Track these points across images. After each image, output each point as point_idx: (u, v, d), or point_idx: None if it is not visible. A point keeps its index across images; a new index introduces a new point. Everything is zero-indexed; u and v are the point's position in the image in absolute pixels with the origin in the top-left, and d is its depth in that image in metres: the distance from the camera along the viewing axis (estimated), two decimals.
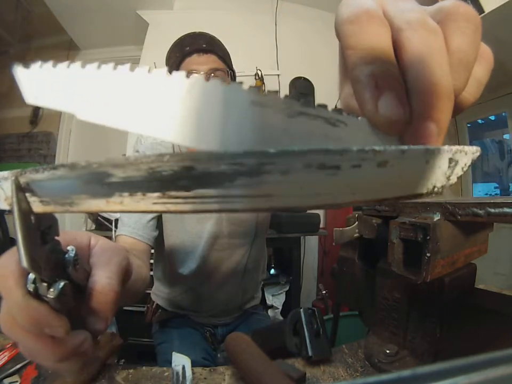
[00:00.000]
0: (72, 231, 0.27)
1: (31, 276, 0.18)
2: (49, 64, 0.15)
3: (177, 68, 0.72)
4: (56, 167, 0.12)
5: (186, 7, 2.26)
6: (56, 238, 0.19)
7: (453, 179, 0.14)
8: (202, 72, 0.67)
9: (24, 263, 0.16)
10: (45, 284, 0.18)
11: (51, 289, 0.18)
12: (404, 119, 0.14)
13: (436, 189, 0.14)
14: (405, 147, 0.12)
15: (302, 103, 0.14)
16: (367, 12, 0.15)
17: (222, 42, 0.74)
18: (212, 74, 0.68)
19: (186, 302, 0.83)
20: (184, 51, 0.68)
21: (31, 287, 0.18)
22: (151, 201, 0.11)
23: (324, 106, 0.14)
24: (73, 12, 2.20)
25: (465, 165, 0.14)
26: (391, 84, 0.14)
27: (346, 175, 0.11)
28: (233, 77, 0.76)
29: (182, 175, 0.10)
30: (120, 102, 0.14)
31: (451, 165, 0.13)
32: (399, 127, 0.14)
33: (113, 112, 0.14)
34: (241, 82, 0.14)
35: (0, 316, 0.20)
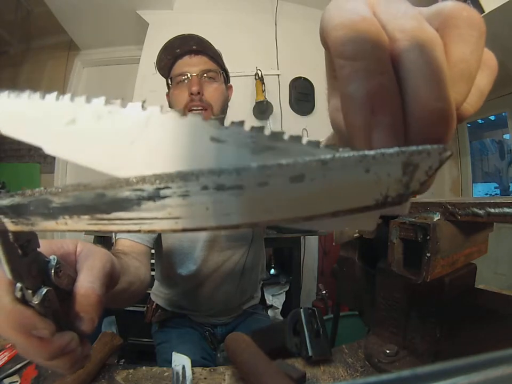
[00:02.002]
0: (60, 239, 0.29)
1: (19, 284, 0.20)
2: (15, 94, 0.15)
3: (169, 71, 0.72)
4: (13, 195, 0.14)
5: (186, 7, 2.26)
6: (38, 249, 0.21)
7: (415, 186, 0.12)
8: (194, 74, 0.67)
9: (8, 274, 0.18)
10: (30, 291, 0.20)
11: (35, 296, 0.20)
12: None
13: (390, 199, 0.12)
14: (328, 156, 0.11)
15: (269, 136, 0.13)
16: (363, 18, 0.13)
17: (212, 44, 0.74)
18: (205, 75, 0.68)
19: (185, 302, 0.83)
20: (175, 53, 0.68)
21: (18, 294, 0.20)
22: (86, 223, 0.13)
23: (297, 139, 0.13)
24: (73, 12, 2.19)
25: (429, 168, 0.11)
26: (389, 110, 0.13)
27: (253, 193, 0.11)
28: (225, 77, 0.76)
29: (98, 201, 0.12)
30: (80, 135, 0.14)
31: (407, 170, 0.11)
32: None
33: (74, 147, 0.15)
34: (199, 115, 0.13)
35: None
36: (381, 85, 0.12)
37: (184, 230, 0.12)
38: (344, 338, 0.67)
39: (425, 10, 0.15)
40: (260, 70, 2.13)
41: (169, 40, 0.68)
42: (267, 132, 0.13)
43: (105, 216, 0.12)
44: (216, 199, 0.11)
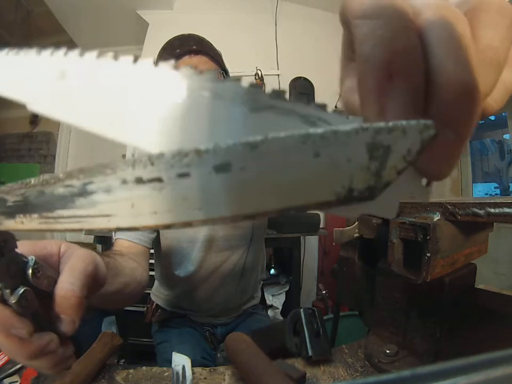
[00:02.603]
0: (44, 240, 0.29)
1: None
2: (14, 51, 0.15)
3: None
4: None
5: (186, 7, 2.26)
6: (17, 250, 0.21)
7: (390, 175, 0.09)
8: None
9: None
10: (8, 291, 0.20)
11: (12, 295, 0.21)
12: None
13: (356, 193, 0.09)
14: (259, 138, 0.09)
15: (271, 94, 0.11)
16: None
17: (212, 43, 0.74)
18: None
19: (185, 302, 0.83)
20: (175, 53, 0.67)
21: None
22: (37, 222, 0.12)
23: (301, 99, 0.11)
24: (73, 12, 2.20)
25: (408, 151, 0.09)
26: (410, 75, 0.11)
27: (175, 187, 0.09)
28: (225, 77, 0.75)
29: (40, 199, 0.11)
30: (82, 92, 0.13)
31: (376, 154, 0.09)
32: None
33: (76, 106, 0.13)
34: (193, 68, 0.12)
35: None
36: (403, 46, 0.11)
37: (118, 229, 0.11)
38: (344, 338, 0.67)
39: None
40: (259, 70, 2.13)
41: (168, 40, 0.68)
42: (268, 90, 0.11)
43: (49, 214, 0.11)
44: (138, 194, 0.10)
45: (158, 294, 0.88)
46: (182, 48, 0.67)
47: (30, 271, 0.22)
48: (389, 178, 0.09)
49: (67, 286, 0.24)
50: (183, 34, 0.68)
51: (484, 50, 0.12)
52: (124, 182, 0.10)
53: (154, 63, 0.12)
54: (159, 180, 0.09)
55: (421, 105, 0.11)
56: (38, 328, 0.23)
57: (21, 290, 0.21)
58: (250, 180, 0.09)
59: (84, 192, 0.10)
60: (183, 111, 0.11)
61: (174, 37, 0.68)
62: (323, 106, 0.11)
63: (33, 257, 0.23)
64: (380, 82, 0.11)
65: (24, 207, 0.12)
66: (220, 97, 0.11)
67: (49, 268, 0.25)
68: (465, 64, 0.11)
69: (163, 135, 0.12)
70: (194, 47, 0.67)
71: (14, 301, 0.21)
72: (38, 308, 0.23)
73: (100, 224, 0.11)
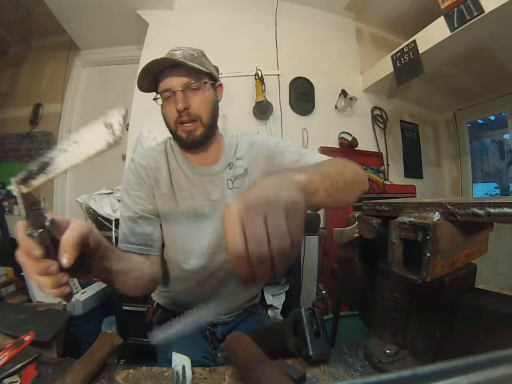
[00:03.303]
0: (66, 217, 0.42)
1: (29, 226, 0.36)
2: None
3: (155, 89, 0.73)
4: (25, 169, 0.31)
5: (186, 7, 2.26)
6: (41, 209, 0.37)
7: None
8: (178, 89, 0.68)
9: (23, 219, 0.35)
10: (33, 230, 0.36)
11: (35, 232, 0.36)
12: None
13: None
14: None
15: None
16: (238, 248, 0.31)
17: (198, 53, 0.74)
18: (189, 86, 0.69)
19: (186, 299, 0.83)
20: (154, 72, 0.69)
21: (28, 231, 0.36)
22: (44, 178, 0.29)
23: None
24: (73, 11, 2.19)
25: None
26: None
27: None
28: (212, 77, 0.75)
29: (41, 166, 0.32)
30: None
31: None
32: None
33: None
34: None
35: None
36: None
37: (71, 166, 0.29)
38: (344, 338, 0.67)
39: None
40: (260, 70, 2.13)
41: (145, 65, 0.68)
42: None
43: (47, 170, 0.32)
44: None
45: (158, 292, 0.87)
46: (160, 65, 0.68)
47: (47, 222, 0.37)
48: None
49: (67, 234, 0.39)
50: (157, 58, 0.67)
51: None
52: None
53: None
54: None
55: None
56: (47, 257, 0.37)
57: (40, 230, 0.36)
58: None
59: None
60: None
61: (149, 62, 0.67)
62: None
63: (51, 216, 0.38)
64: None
65: (37, 171, 0.29)
66: None
67: (60, 227, 0.39)
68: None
69: None
70: (172, 62, 0.68)
71: (35, 235, 0.36)
72: (49, 245, 0.38)
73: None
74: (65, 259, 0.38)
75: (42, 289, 0.39)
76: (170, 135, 0.78)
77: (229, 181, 0.78)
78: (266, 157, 0.78)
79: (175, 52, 0.70)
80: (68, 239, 0.38)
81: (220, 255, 0.78)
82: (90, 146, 0.32)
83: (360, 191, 0.61)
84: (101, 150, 0.32)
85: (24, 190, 0.33)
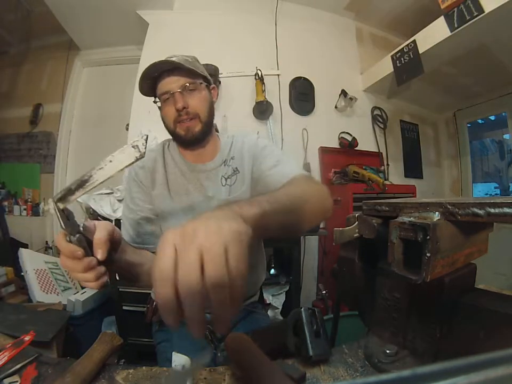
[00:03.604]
0: (95, 221, 0.50)
1: (67, 233, 0.44)
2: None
3: (154, 92, 0.76)
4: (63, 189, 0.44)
5: (186, 7, 2.26)
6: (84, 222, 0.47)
7: None
8: (176, 90, 0.72)
9: (62, 229, 0.44)
10: (72, 236, 0.44)
11: (73, 238, 0.44)
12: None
13: None
14: None
15: None
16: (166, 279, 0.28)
17: (192, 58, 0.78)
18: (186, 88, 0.73)
19: None
20: (153, 76, 0.74)
21: (67, 238, 0.44)
22: (81, 192, 0.43)
23: None
24: (73, 12, 2.19)
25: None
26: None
27: None
28: (206, 81, 0.79)
29: (78, 184, 0.43)
30: None
31: None
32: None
33: None
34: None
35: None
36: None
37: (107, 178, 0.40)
38: (344, 338, 0.67)
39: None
40: (260, 70, 2.13)
41: (145, 69, 0.72)
42: None
43: (85, 185, 0.41)
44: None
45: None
46: (158, 68, 0.73)
47: (81, 228, 0.46)
48: None
49: (98, 234, 0.48)
50: (155, 62, 0.71)
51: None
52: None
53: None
54: None
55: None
56: (86, 255, 0.45)
57: (77, 235, 0.45)
58: None
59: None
60: None
61: (148, 66, 0.71)
62: None
63: (83, 223, 0.47)
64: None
65: (76, 188, 0.40)
66: None
67: (90, 230, 0.48)
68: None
69: None
70: (169, 66, 0.72)
71: (74, 240, 0.44)
72: (86, 246, 0.46)
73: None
74: (100, 254, 0.46)
75: (87, 285, 0.47)
76: (170, 136, 0.81)
77: (223, 177, 0.81)
78: (251, 157, 0.81)
79: (171, 58, 0.74)
80: (100, 237, 0.47)
81: None
82: (122, 163, 0.43)
83: (319, 219, 0.61)
84: (129, 163, 0.43)
85: (61, 206, 0.43)
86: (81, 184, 0.43)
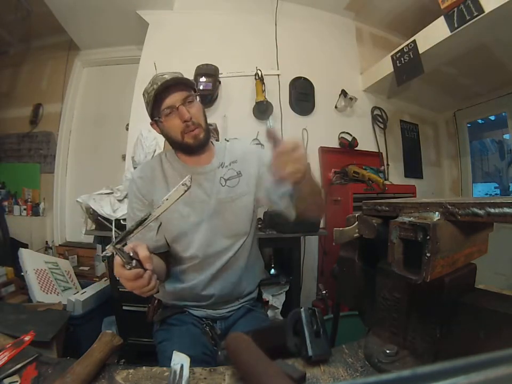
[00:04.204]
0: (131, 245, 0.60)
1: (125, 263, 0.57)
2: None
3: (151, 109, 0.82)
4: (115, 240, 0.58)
5: (186, 7, 2.26)
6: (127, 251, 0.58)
7: None
8: (180, 104, 0.79)
9: (121, 261, 0.57)
10: (129, 264, 0.57)
11: (130, 265, 0.57)
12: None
13: None
14: None
15: None
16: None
17: (178, 73, 0.84)
18: (186, 101, 0.80)
19: (185, 293, 0.87)
20: (159, 91, 0.79)
21: (127, 266, 0.57)
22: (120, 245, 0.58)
23: None
24: (73, 11, 2.20)
25: None
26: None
27: None
28: (195, 92, 0.86)
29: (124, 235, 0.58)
30: None
31: None
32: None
33: None
34: None
35: (121, 281, 0.60)
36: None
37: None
38: (344, 338, 0.67)
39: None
40: (260, 70, 2.13)
41: (155, 91, 0.78)
42: None
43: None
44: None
45: (160, 287, 0.91)
46: (163, 85, 0.78)
47: (131, 254, 0.58)
48: None
49: (141, 252, 0.59)
50: (163, 84, 0.78)
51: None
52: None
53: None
54: None
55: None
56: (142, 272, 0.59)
57: (134, 262, 0.57)
58: None
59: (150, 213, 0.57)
60: None
61: (157, 88, 0.78)
62: None
63: (131, 251, 0.58)
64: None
65: (136, 227, 0.56)
66: None
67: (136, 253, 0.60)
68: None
69: None
70: (171, 83, 0.78)
71: (133, 266, 0.57)
72: (139, 266, 0.58)
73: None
74: (149, 266, 0.59)
75: (147, 294, 0.61)
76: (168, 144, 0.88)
77: (222, 178, 0.88)
78: (256, 162, 0.91)
79: (165, 76, 0.80)
80: (145, 255, 0.59)
81: (215, 243, 0.86)
82: (174, 198, 0.57)
83: (321, 208, 0.93)
84: (180, 196, 0.57)
85: (118, 246, 0.56)
86: (140, 222, 0.56)
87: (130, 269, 0.56)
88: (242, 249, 0.89)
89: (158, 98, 0.79)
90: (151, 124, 0.86)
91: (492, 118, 2.92)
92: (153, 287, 0.61)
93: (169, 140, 0.85)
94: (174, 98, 0.79)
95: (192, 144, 0.83)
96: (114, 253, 0.55)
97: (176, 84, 0.79)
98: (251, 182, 0.88)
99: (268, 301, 1.74)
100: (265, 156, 0.89)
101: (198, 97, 0.86)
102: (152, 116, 0.84)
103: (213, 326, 0.87)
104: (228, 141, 0.96)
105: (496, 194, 2.91)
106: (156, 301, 0.93)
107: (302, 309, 0.53)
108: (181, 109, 0.79)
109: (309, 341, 0.50)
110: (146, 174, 0.88)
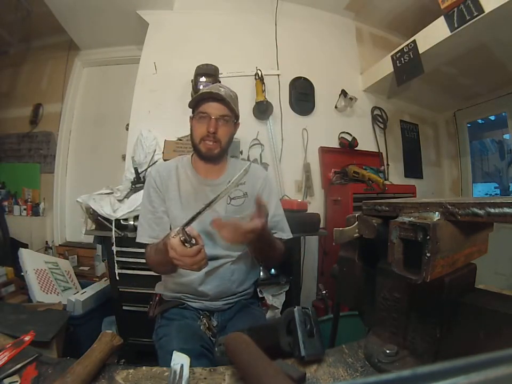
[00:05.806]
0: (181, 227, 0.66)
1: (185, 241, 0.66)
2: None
3: (198, 107, 0.92)
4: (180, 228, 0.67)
5: (186, 7, 2.26)
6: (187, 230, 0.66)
7: None
8: (213, 117, 0.89)
9: (183, 237, 0.65)
10: (189, 242, 0.65)
11: (189, 243, 0.65)
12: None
13: None
14: None
15: None
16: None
17: (234, 96, 0.98)
18: (221, 118, 0.91)
19: (184, 287, 0.91)
20: (206, 96, 0.91)
21: (188, 245, 0.65)
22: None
23: None
24: (73, 11, 2.19)
25: None
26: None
27: None
28: (236, 117, 0.97)
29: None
30: None
31: None
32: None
33: None
34: None
35: (179, 260, 0.66)
36: None
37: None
38: (344, 338, 0.67)
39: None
40: (260, 70, 2.12)
41: (201, 93, 0.91)
42: None
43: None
44: None
45: (162, 282, 1.00)
46: (209, 95, 0.90)
47: (193, 234, 0.66)
48: None
49: (193, 232, 0.66)
50: (211, 91, 0.90)
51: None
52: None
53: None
54: None
55: None
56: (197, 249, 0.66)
57: (193, 240, 0.66)
58: None
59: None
60: None
61: (203, 93, 0.91)
62: None
63: (188, 231, 0.66)
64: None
65: (196, 215, 0.64)
66: None
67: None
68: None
69: None
70: (217, 96, 0.89)
71: (193, 243, 0.65)
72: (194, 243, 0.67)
73: None
74: (201, 241, 0.66)
75: (202, 268, 0.68)
76: (176, 152, 0.93)
77: (228, 196, 0.94)
78: (265, 192, 1.00)
79: (221, 88, 0.92)
80: (197, 233, 0.67)
81: (213, 249, 0.91)
82: (236, 181, 0.67)
83: (278, 256, 0.99)
84: (239, 179, 0.67)
85: (186, 228, 0.65)
86: (208, 204, 0.64)
87: (191, 246, 0.64)
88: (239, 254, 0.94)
89: (202, 99, 0.89)
90: (190, 118, 0.96)
91: (492, 118, 2.92)
92: (206, 261, 0.68)
93: (191, 138, 0.95)
94: (214, 109, 0.89)
95: (203, 153, 0.92)
96: (180, 235, 0.64)
97: (224, 100, 0.89)
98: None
99: (266, 300, 1.73)
100: (269, 193, 1.00)
101: (234, 124, 0.97)
102: (192, 108, 0.94)
103: (211, 320, 0.90)
104: (251, 162, 1.08)
105: (496, 194, 2.91)
106: (157, 298, 0.98)
107: (296, 309, 0.52)
108: (212, 121, 0.88)
109: (301, 341, 0.49)
110: (163, 173, 0.96)
